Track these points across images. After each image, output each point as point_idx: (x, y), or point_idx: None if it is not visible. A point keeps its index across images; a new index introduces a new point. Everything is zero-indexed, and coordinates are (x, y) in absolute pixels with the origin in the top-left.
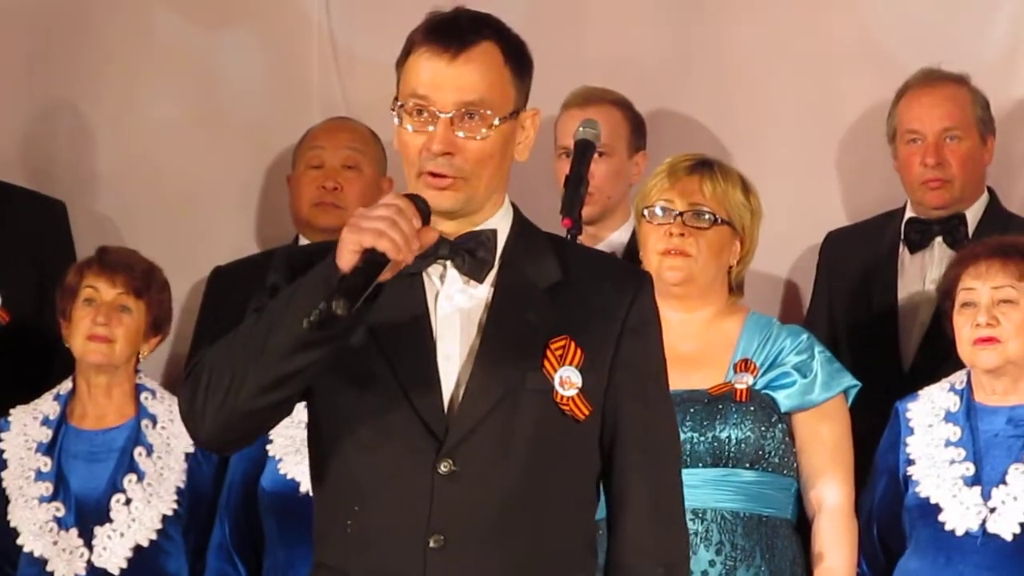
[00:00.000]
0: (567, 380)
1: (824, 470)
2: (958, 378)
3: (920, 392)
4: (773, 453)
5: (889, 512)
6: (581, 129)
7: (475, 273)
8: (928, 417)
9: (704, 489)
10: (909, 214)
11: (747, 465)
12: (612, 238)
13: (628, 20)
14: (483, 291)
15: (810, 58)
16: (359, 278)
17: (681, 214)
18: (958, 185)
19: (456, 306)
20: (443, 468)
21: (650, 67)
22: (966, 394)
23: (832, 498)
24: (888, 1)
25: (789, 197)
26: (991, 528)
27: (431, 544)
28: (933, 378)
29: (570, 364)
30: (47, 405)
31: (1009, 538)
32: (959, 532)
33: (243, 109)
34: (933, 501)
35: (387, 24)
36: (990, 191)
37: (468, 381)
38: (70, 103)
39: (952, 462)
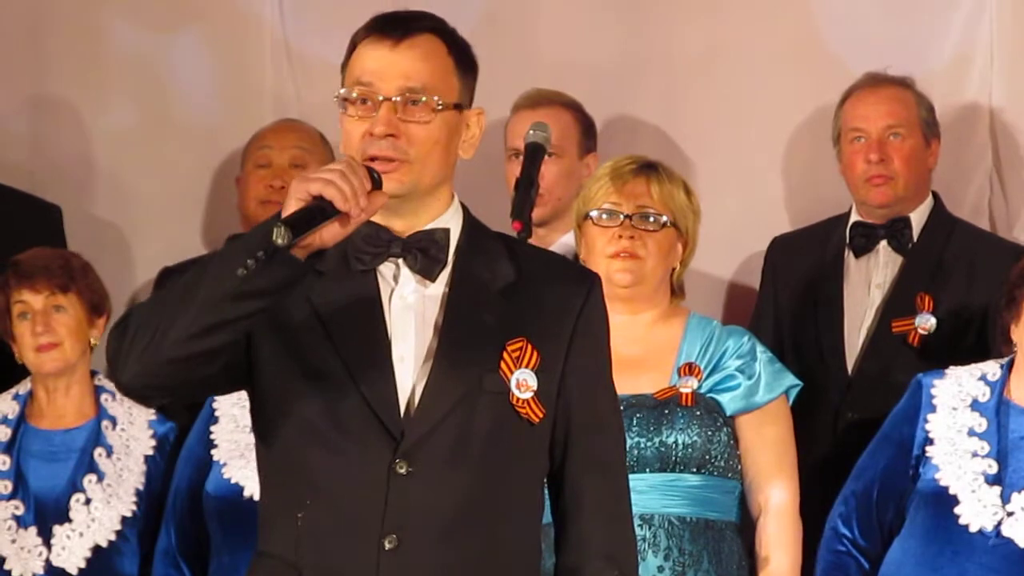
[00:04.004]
0: (523, 383)
1: (769, 471)
2: (991, 369)
3: (946, 371)
4: (719, 457)
5: (890, 485)
6: (531, 132)
7: (427, 272)
8: (953, 399)
9: (651, 494)
10: (854, 218)
11: (693, 469)
12: (562, 240)
13: (579, 24)
14: (437, 290)
15: (760, 62)
16: (302, 214)
17: (629, 216)
18: (901, 183)
19: (410, 305)
20: (400, 469)
21: (600, 70)
22: (998, 388)
23: (777, 498)
24: (838, 6)
25: (738, 199)
26: (1005, 531)
27: (386, 545)
28: (878, 383)
29: (526, 366)
30: (6, 404)
31: (1023, 545)
32: (972, 528)
33: (196, 112)
34: (952, 492)
35: (340, 26)
36: (935, 195)
37: (426, 382)
38: (21, 106)
39: (975, 454)
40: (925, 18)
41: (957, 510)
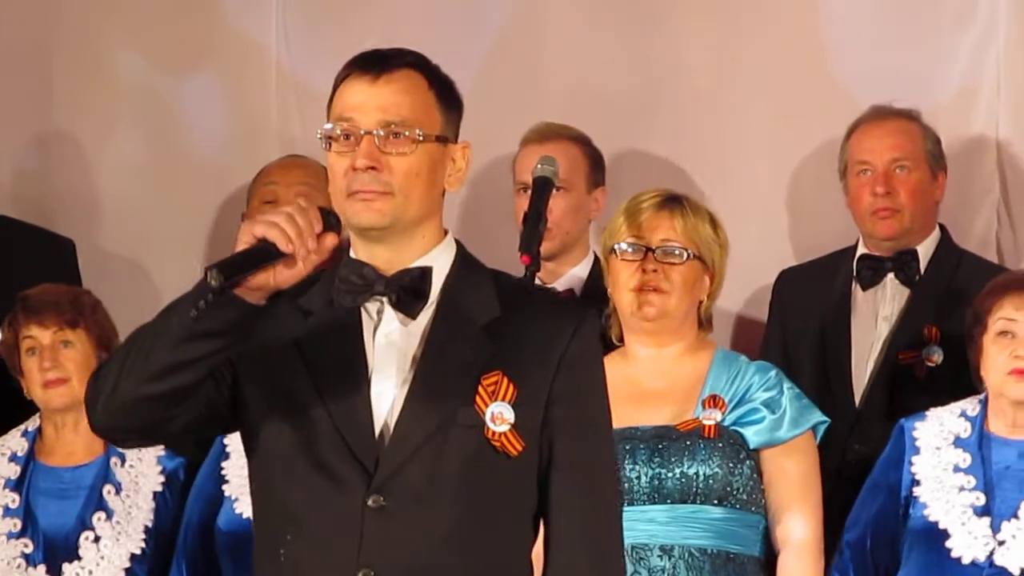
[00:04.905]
0: (499, 416)
1: (791, 505)
2: (970, 405)
3: (927, 413)
4: (741, 490)
5: (884, 530)
6: (539, 166)
7: (410, 309)
8: (936, 439)
9: (672, 526)
10: (861, 250)
11: (715, 501)
12: (571, 273)
13: (588, 58)
14: (420, 327)
15: (768, 95)
16: (240, 256)
17: (653, 250)
18: (908, 215)
19: (392, 342)
20: (372, 502)
21: (609, 104)
22: (978, 422)
23: (799, 533)
24: (846, 38)
25: (746, 232)
26: (998, 560)
27: None
28: (885, 415)
29: (502, 400)
30: (15, 441)
31: (1016, 573)
32: (965, 560)
33: (204, 148)
34: (942, 526)
35: (344, 62)
36: (942, 228)
37: (399, 416)
38: (33, 142)
39: (961, 489)
40: (931, 50)
41: (948, 543)
